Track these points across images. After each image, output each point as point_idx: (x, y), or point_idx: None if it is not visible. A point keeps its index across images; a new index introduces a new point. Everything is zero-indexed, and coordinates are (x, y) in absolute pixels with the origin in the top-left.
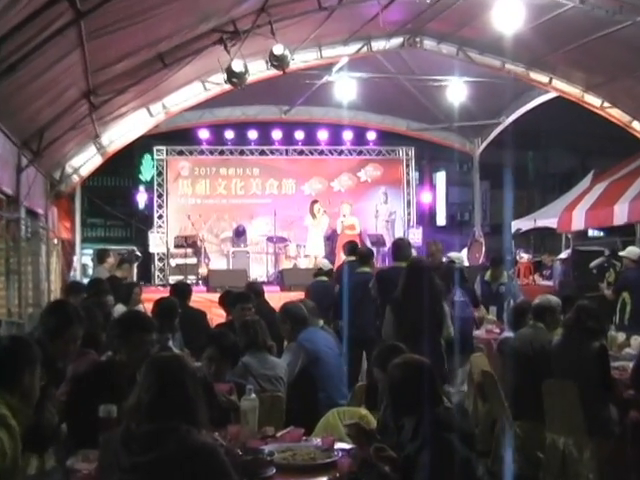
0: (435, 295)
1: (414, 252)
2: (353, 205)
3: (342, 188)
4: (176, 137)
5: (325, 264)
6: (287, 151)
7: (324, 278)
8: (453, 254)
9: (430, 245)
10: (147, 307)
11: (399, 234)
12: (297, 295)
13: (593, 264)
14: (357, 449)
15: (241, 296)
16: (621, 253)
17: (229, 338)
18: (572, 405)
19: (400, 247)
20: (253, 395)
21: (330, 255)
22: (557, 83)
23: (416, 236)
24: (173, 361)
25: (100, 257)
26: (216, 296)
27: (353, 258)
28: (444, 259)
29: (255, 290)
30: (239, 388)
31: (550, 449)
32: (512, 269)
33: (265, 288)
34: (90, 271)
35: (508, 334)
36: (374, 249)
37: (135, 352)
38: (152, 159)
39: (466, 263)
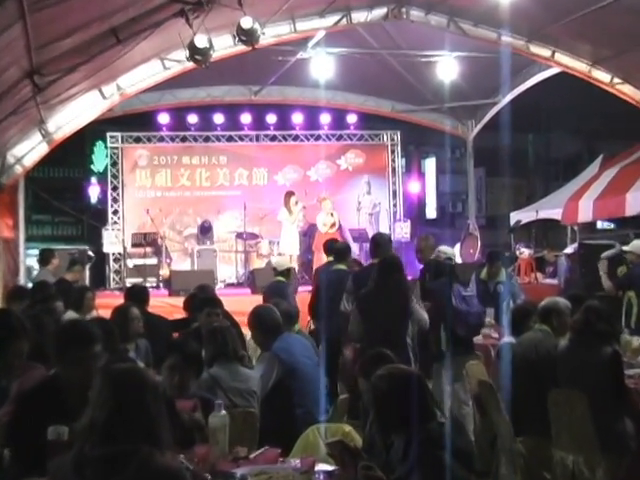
0: (404, 294)
1: (397, 249)
2: (332, 197)
3: (320, 178)
4: (132, 122)
5: (280, 263)
6: (258, 137)
7: (280, 279)
8: (445, 248)
9: (420, 240)
10: (103, 314)
11: (384, 228)
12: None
13: (606, 254)
14: (341, 470)
15: (208, 300)
16: (625, 248)
17: (192, 345)
18: (582, 418)
19: (379, 243)
20: (223, 411)
21: (307, 252)
22: (560, 57)
23: (403, 230)
24: (131, 373)
25: (44, 258)
26: (179, 300)
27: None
28: (434, 255)
29: (206, 296)
30: (205, 404)
31: (558, 468)
32: (511, 266)
33: (234, 291)
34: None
35: (509, 339)
36: (356, 245)
37: (74, 369)
38: (105, 147)
39: (459, 259)
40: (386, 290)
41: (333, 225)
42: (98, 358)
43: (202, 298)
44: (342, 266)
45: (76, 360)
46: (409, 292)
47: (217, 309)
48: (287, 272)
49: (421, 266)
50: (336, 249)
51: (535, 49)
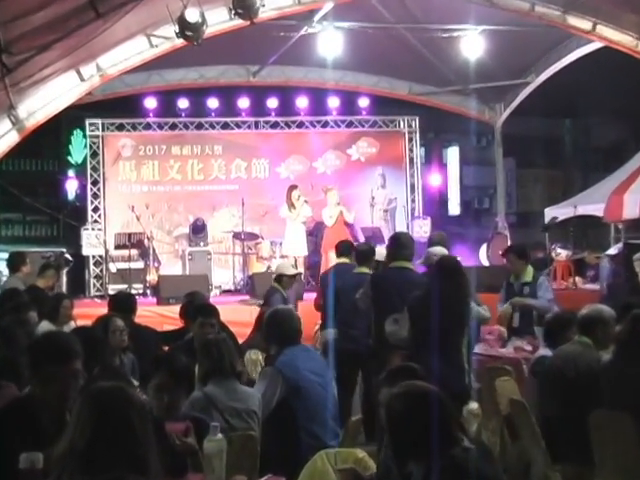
0: (463, 300)
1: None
2: (342, 191)
3: (328, 170)
4: (115, 107)
5: (277, 268)
6: (257, 123)
7: (274, 285)
8: (436, 250)
9: (434, 238)
10: (82, 325)
11: (401, 227)
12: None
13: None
14: None
15: (202, 308)
16: None
17: (181, 360)
18: (628, 443)
19: (402, 243)
20: (219, 435)
21: (314, 254)
22: (603, 30)
23: (422, 229)
24: (115, 393)
25: (13, 264)
26: (169, 310)
27: (346, 260)
28: (422, 259)
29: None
30: (199, 426)
31: None
32: (546, 269)
33: (231, 298)
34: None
35: (545, 352)
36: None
37: (50, 388)
38: (84, 136)
39: (486, 262)
40: (443, 295)
41: (341, 217)
42: (78, 375)
43: (195, 306)
44: (366, 269)
45: (53, 378)
46: (468, 298)
47: (211, 318)
48: (279, 278)
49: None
50: (358, 250)
51: (573, 21)
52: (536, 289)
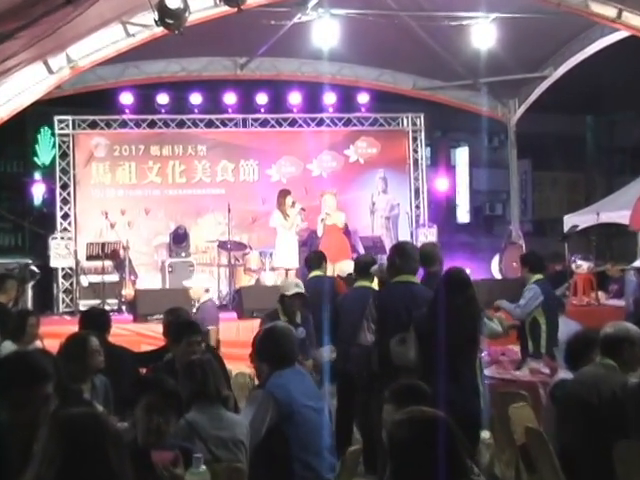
0: (473, 316)
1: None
2: (339, 196)
3: (324, 172)
4: (87, 103)
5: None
6: (245, 121)
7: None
8: (380, 266)
9: (424, 249)
10: (50, 345)
11: (404, 236)
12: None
13: None
14: None
15: (188, 325)
16: None
17: (170, 382)
18: None
19: (407, 254)
20: (203, 467)
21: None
22: (629, 17)
23: (428, 238)
24: (88, 420)
25: None
26: (147, 328)
27: (319, 273)
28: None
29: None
30: (187, 456)
31: None
32: (565, 284)
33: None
34: None
35: (565, 375)
36: None
37: (17, 414)
38: (52, 134)
39: (498, 275)
40: (452, 310)
41: (335, 227)
42: (49, 401)
43: (179, 324)
44: (367, 282)
45: (21, 403)
46: (481, 313)
47: (198, 335)
48: (281, 300)
49: None
50: (359, 262)
51: (596, 7)
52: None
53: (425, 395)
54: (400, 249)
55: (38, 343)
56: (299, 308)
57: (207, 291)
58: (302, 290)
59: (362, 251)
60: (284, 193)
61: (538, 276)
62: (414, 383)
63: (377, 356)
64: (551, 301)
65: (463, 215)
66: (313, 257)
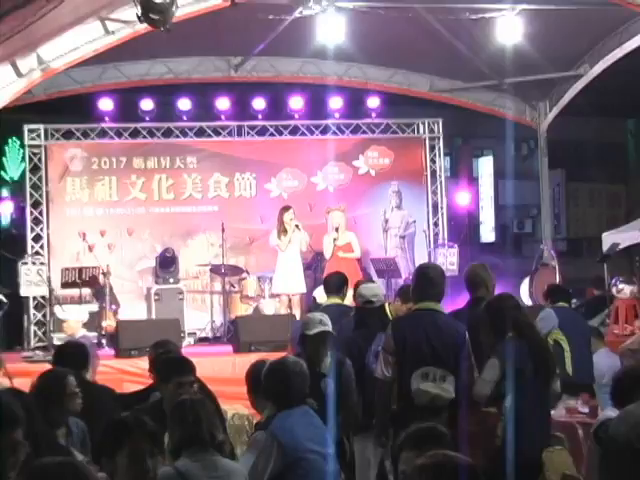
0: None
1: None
2: (347, 213)
3: (330, 186)
4: (61, 109)
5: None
6: (240, 129)
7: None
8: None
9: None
10: (20, 385)
11: (421, 257)
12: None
13: None
14: None
15: (179, 364)
16: None
17: (151, 423)
18: None
19: (429, 278)
20: None
21: (312, 293)
22: None
23: (448, 260)
24: (66, 471)
25: None
26: (131, 364)
27: (337, 300)
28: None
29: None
30: None
31: None
32: (605, 310)
33: (209, 349)
34: None
35: (612, 414)
36: (382, 281)
37: None
38: (22, 145)
39: (528, 301)
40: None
41: (347, 248)
42: (19, 449)
43: (168, 361)
44: (337, 299)
45: None
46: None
47: (190, 376)
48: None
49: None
50: (328, 280)
51: None
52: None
53: (445, 438)
54: (423, 273)
55: (6, 383)
56: (326, 351)
57: (84, 325)
58: (329, 327)
59: (374, 275)
60: (284, 210)
61: (560, 304)
62: (433, 425)
63: (396, 394)
64: (573, 325)
65: (487, 233)
66: (333, 279)
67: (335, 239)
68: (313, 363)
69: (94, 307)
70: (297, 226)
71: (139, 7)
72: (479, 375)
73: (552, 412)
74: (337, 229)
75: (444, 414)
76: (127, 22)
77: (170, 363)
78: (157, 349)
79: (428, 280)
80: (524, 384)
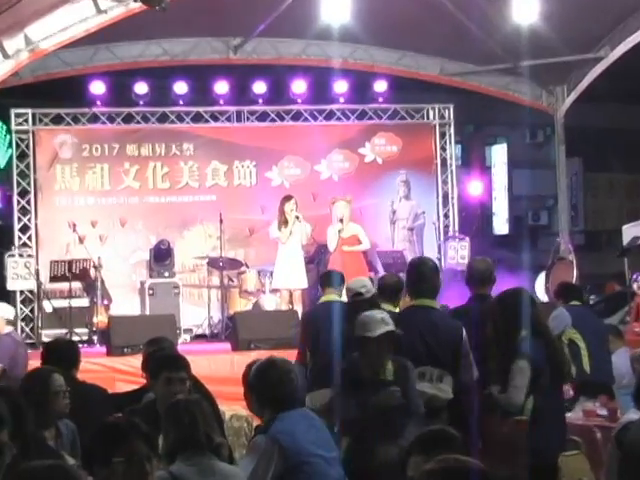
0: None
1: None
2: (353, 203)
3: (335, 175)
4: (50, 93)
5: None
6: (240, 115)
7: None
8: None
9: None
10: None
11: (430, 250)
12: (261, 356)
13: None
14: None
15: (168, 359)
16: None
17: (144, 426)
18: None
19: (421, 273)
20: None
21: (316, 288)
22: None
23: (459, 253)
24: (55, 475)
25: None
26: (123, 362)
27: (334, 297)
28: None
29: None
30: None
31: None
32: (625, 307)
33: (207, 346)
34: None
35: (635, 416)
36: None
37: None
38: (9, 131)
39: (544, 297)
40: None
41: (353, 240)
42: (4, 450)
43: (158, 357)
44: (335, 296)
45: None
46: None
47: (181, 372)
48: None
49: None
50: (385, 284)
51: None
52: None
53: (456, 441)
54: (411, 268)
55: None
56: (389, 355)
57: (12, 323)
58: (392, 327)
59: (380, 269)
60: (285, 200)
61: (573, 302)
62: (443, 428)
63: None
64: (588, 324)
65: (501, 226)
66: (331, 274)
67: (340, 230)
68: (374, 370)
69: (84, 302)
70: (298, 217)
71: None
72: (510, 382)
73: (568, 415)
74: (341, 220)
75: (443, 415)
76: (120, 0)
77: (160, 358)
78: (151, 347)
79: (420, 275)
80: (542, 386)
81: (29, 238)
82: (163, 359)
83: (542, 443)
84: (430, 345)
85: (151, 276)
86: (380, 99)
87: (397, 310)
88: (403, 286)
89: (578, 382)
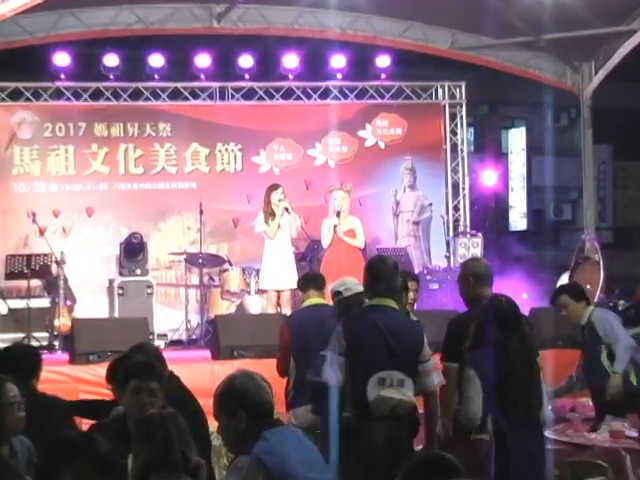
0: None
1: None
2: (352, 192)
3: (331, 160)
4: (8, 64)
5: None
6: (224, 91)
7: None
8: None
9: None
10: None
11: (438, 246)
12: (245, 366)
13: None
14: None
15: (137, 367)
16: None
17: (105, 444)
18: None
19: (379, 271)
20: None
21: None
22: None
23: (470, 251)
24: None
25: None
26: (88, 371)
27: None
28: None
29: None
30: None
31: None
32: None
33: (184, 354)
34: None
35: None
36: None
37: None
38: None
39: None
40: (509, 353)
41: (350, 234)
42: None
43: (126, 365)
44: (321, 299)
45: None
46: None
47: (151, 382)
48: None
49: None
50: (307, 276)
51: None
52: (596, 330)
53: (461, 472)
54: (368, 266)
55: None
56: None
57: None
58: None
59: None
60: (271, 188)
61: (591, 307)
62: (441, 455)
63: (351, 403)
64: None
65: (518, 220)
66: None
67: (336, 225)
68: None
69: (45, 302)
70: (287, 209)
71: None
72: (463, 395)
73: (593, 436)
74: (338, 213)
75: (407, 422)
76: None
77: (129, 365)
78: (133, 352)
79: (377, 274)
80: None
81: None
82: (132, 366)
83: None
84: (391, 347)
85: (121, 274)
86: (383, 75)
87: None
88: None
89: (627, 395)
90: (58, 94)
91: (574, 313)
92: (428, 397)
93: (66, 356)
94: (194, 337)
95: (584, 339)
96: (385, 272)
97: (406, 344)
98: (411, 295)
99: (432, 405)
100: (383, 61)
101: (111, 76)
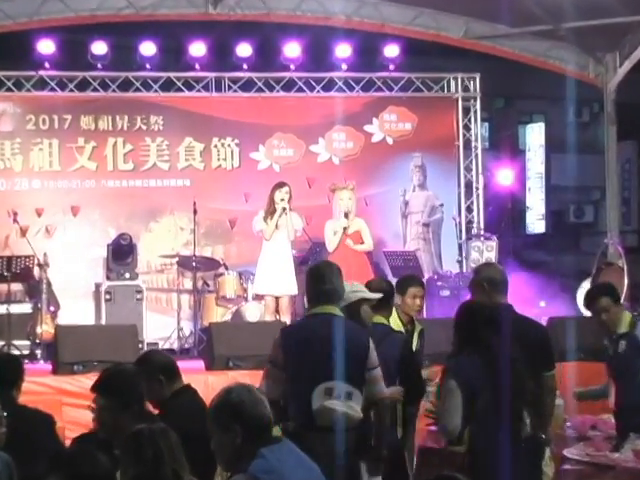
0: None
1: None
2: (357, 191)
3: (335, 157)
4: None
5: None
6: (220, 82)
7: None
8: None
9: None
10: None
11: (450, 250)
12: (241, 377)
13: None
14: None
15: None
16: None
17: (94, 459)
18: None
19: (320, 277)
20: None
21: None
22: None
23: (485, 256)
24: None
25: None
26: (73, 382)
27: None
28: None
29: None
30: None
31: None
32: None
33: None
34: None
35: None
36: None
37: None
38: None
39: (588, 311)
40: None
41: (356, 237)
42: None
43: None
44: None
45: None
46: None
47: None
48: None
49: None
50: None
51: None
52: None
53: None
54: (308, 272)
55: None
56: None
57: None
58: None
59: (388, 272)
60: (277, 186)
61: (629, 315)
62: (454, 476)
63: (294, 414)
64: None
65: (536, 222)
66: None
67: (345, 228)
68: None
69: (26, 307)
70: (284, 209)
71: None
72: (441, 406)
73: (615, 456)
74: (347, 215)
75: (353, 436)
76: None
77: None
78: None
79: (318, 279)
80: (479, 411)
81: None
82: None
83: None
84: (335, 358)
85: (109, 277)
86: (391, 66)
87: (388, 322)
88: (394, 293)
89: None
90: (42, 84)
91: (615, 317)
92: (377, 405)
93: (49, 366)
94: (187, 346)
95: (618, 351)
96: (326, 277)
97: (350, 352)
98: (417, 302)
99: (381, 413)
100: (391, 51)
101: (99, 65)
